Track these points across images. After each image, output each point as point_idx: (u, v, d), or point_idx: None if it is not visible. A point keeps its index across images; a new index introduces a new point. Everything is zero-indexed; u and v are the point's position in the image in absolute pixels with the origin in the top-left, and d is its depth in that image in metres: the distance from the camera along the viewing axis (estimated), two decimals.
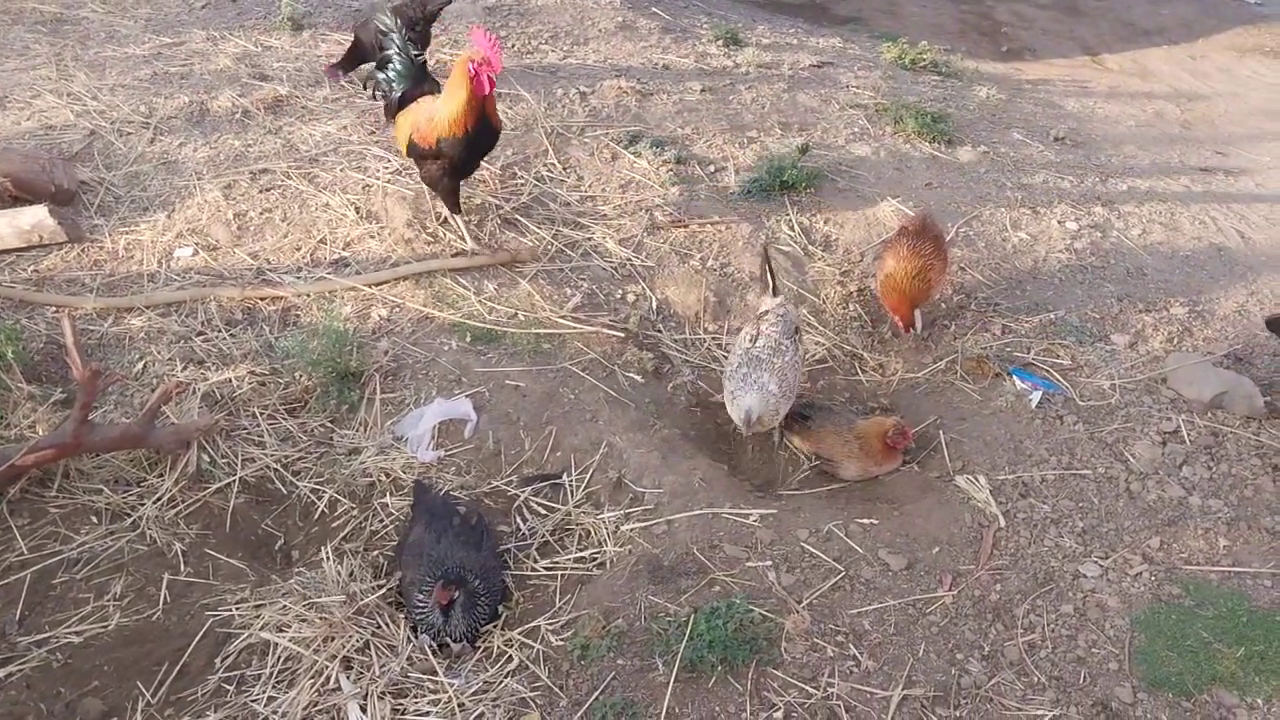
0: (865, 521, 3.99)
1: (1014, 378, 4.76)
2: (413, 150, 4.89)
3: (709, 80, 7.08)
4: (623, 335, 4.86)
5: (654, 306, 5.15)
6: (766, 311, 4.58)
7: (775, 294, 4.72)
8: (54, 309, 4.61)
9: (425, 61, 5.16)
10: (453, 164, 4.83)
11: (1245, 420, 4.59)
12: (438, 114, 4.71)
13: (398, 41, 5.04)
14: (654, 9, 8.34)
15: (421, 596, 3.48)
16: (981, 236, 5.84)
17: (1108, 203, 6.41)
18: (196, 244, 5.07)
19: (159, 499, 3.90)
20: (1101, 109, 8.33)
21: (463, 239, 5.14)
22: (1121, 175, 6.87)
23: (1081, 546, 3.93)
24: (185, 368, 4.38)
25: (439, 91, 4.90)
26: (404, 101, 5.01)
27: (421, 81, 5.06)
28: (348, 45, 6.29)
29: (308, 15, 7.28)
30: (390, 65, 5.08)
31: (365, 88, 5.40)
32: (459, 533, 3.65)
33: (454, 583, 3.40)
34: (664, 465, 4.17)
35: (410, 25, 6.23)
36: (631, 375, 4.69)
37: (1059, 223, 6.07)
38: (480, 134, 4.75)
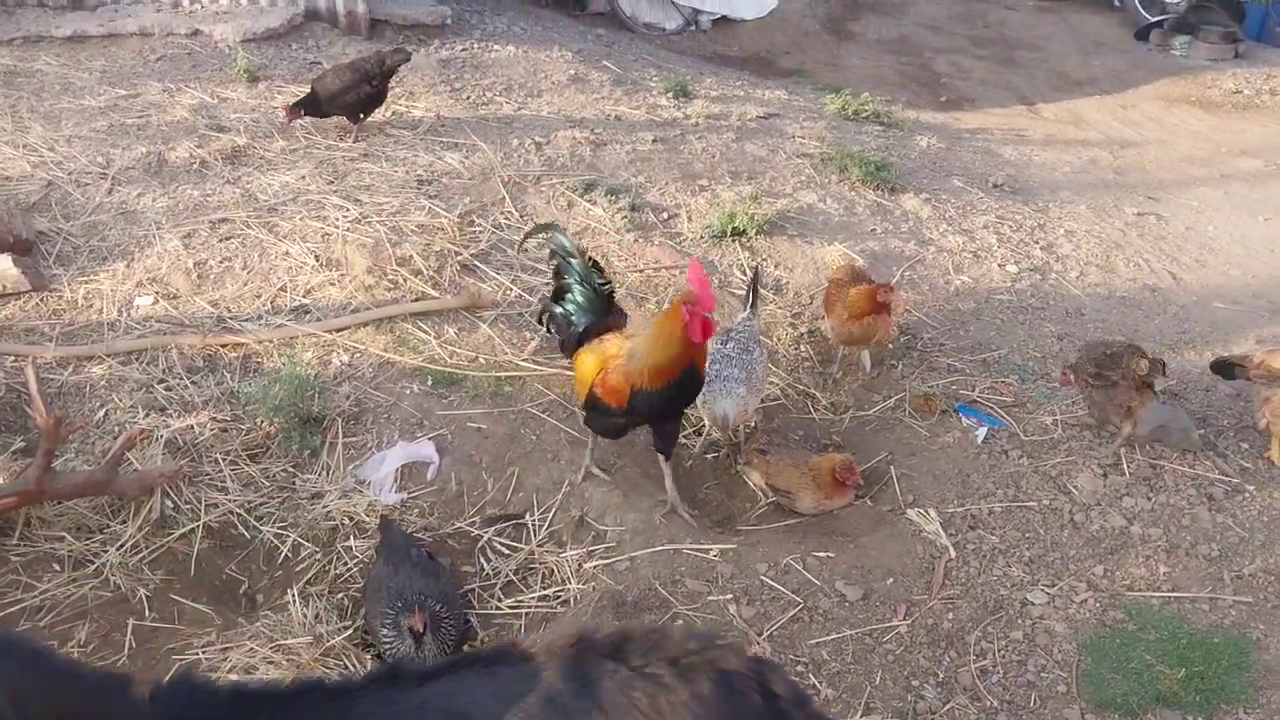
0: (822, 554, 4.11)
1: (960, 415, 4.93)
2: (593, 404, 4.09)
3: (660, 131, 7.26)
4: None
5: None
6: (736, 323, 4.80)
7: (749, 310, 4.88)
8: (13, 358, 4.62)
9: (612, 290, 4.31)
10: (643, 421, 4.17)
11: (1182, 453, 4.77)
12: (635, 362, 3.89)
13: (578, 268, 4.24)
14: (605, 62, 8.54)
15: (386, 630, 3.52)
16: (925, 280, 6.04)
17: (1046, 246, 6.66)
18: (156, 292, 5.11)
19: (122, 545, 3.92)
20: (1038, 156, 8.63)
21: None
22: (1059, 220, 7.13)
23: (1029, 575, 4.07)
24: (147, 415, 4.41)
25: (624, 323, 4.26)
26: (585, 337, 4.23)
27: (606, 313, 4.25)
28: (304, 94, 6.41)
29: (263, 68, 7.37)
30: (569, 296, 4.28)
31: (540, 321, 4.54)
32: (416, 563, 3.70)
33: (421, 609, 3.45)
34: (625, 503, 4.27)
35: (367, 79, 6.37)
36: None
37: (1000, 266, 6.29)
38: (684, 387, 3.99)
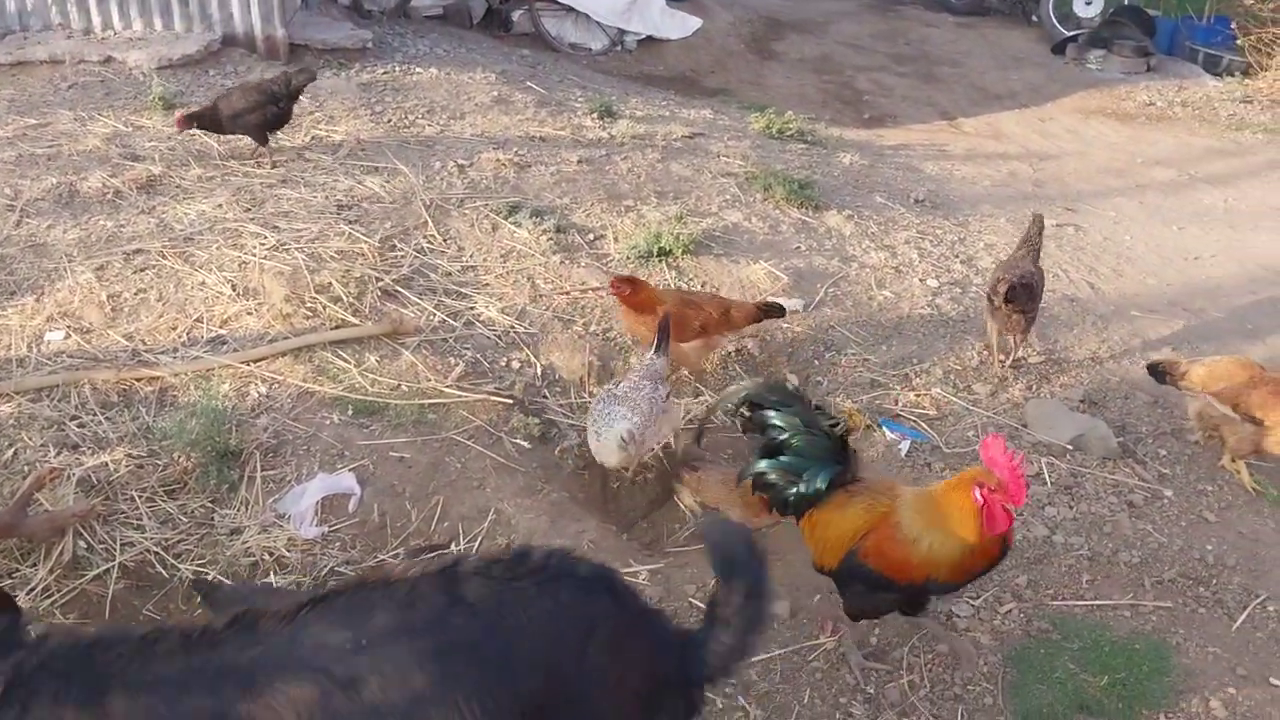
0: None
1: (884, 429, 4.96)
2: (860, 575, 3.42)
3: (585, 151, 7.26)
4: (509, 402, 4.92)
5: (539, 372, 5.23)
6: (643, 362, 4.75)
7: (656, 352, 4.83)
8: None
9: (846, 430, 3.63)
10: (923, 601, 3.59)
11: (1102, 460, 4.86)
12: (922, 548, 3.28)
13: (798, 415, 3.55)
14: (529, 84, 8.53)
15: None
16: (849, 295, 6.08)
17: (966, 260, 6.75)
18: (68, 327, 4.98)
19: (33, 589, 3.79)
20: (959, 170, 8.77)
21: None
22: (979, 233, 7.24)
23: None
24: (59, 453, 4.29)
25: (858, 464, 3.64)
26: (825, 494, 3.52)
27: (844, 460, 3.55)
28: (204, 107, 6.36)
29: (180, 95, 7.26)
30: (791, 447, 3.54)
31: (742, 477, 3.73)
32: None
33: None
34: (553, 529, 4.23)
35: (273, 100, 6.28)
36: (518, 441, 4.74)
37: (921, 280, 6.36)
38: (984, 570, 3.43)
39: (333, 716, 1.90)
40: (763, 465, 3.58)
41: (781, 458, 3.55)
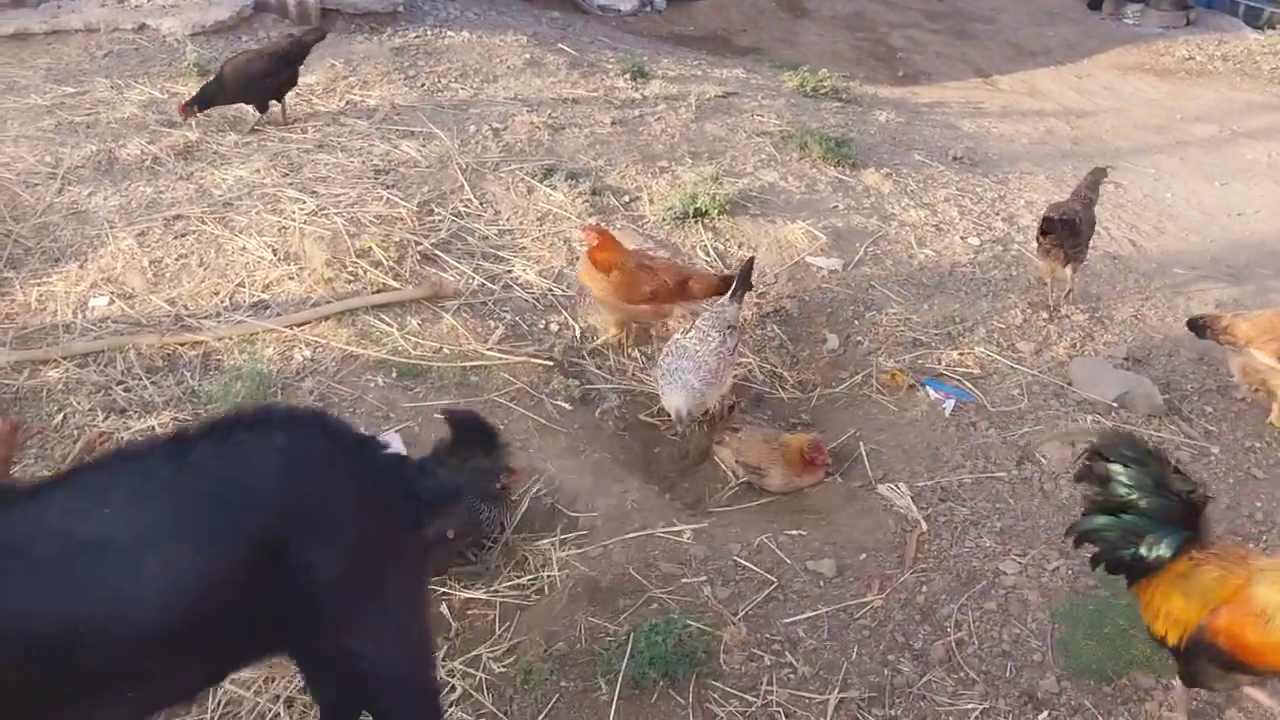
0: (794, 532, 4.11)
1: (927, 388, 4.93)
2: (1208, 651, 3.08)
3: (618, 113, 7.21)
4: (549, 364, 4.93)
5: (578, 335, 5.23)
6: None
7: (731, 297, 4.85)
8: None
9: (1205, 496, 3.26)
10: None
11: (1147, 418, 4.81)
12: None
13: (1153, 473, 3.20)
14: (560, 45, 8.47)
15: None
16: (889, 254, 6.04)
17: (1007, 218, 6.68)
18: (112, 293, 5.02)
19: None
20: (996, 128, 8.66)
21: None
22: (1019, 191, 7.15)
23: (1000, 546, 4.09)
24: (106, 417, 4.33)
25: (1209, 529, 3.25)
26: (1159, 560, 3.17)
27: (1194, 526, 3.19)
28: (205, 84, 6.30)
29: (213, 61, 7.22)
30: (1137, 507, 3.20)
31: (1072, 532, 3.37)
32: None
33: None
34: (596, 489, 4.24)
35: (286, 62, 6.24)
36: (559, 403, 4.75)
37: (962, 239, 6.30)
38: None
39: (80, 570, 2.09)
40: (1101, 521, 3.27)
41: (1124, 516, 3.22)
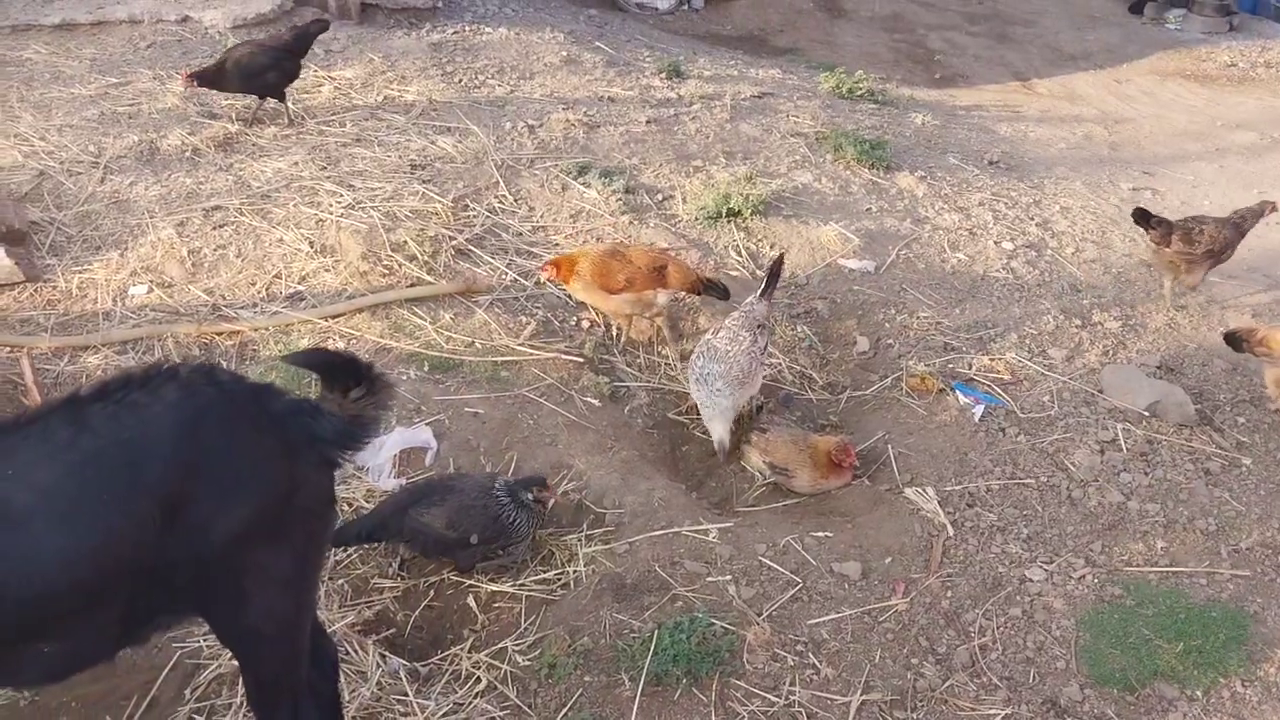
0: (820, 534, 4.12)
1: (957, 393, 4.93)
2: None
3: (654, 111, 7.24)
4: (579, 361, 4.96)
5: (610, 333, 5.26)
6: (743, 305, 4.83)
7: (761, 295, 4.86)
8: (9, 349, 4.61)
9: None
10: None
11: (1178, 428, 4.78)
12: None
13: None
14: (597, 44, 8.51)
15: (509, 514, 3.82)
16: (921, 258, 6.03)
17: (1042, 223, 6.65)
18: (151, 281, 5.10)
19: None
20: (1033, 133, 8.61)
21: None
22: (1054, 196, 7.12)
23: (1027, 552, 4.08)
24: None
25: None
26: None
27: None
28: (210, 65, 6.32)
29: None
30: None
31: None
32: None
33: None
34: (624, 486, 4.27)
35: (288, 53, 6.24)
36: (589, 400, 4.78)
37: (995, 243, 6.28)
38: None
39: None
40: None
41: None
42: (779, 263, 5.01)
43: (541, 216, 5.89)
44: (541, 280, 5.28)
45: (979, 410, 4.80)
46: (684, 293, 5.16)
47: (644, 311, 5.11)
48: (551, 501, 3.99)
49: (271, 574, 2.55)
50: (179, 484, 2.31)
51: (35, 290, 4.96)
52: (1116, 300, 5.84)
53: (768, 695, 3.44)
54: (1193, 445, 4.69)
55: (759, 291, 4.90)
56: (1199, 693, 3.55)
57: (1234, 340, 4.99)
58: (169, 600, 2.46)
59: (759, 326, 4.72)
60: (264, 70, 6.22)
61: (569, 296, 5.27)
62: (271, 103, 6.44)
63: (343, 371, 2.67)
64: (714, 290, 5.13)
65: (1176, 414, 4.82)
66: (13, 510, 2.17)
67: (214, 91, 6.40)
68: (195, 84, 6.24)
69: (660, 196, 6.24)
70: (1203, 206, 7.43)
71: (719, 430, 4.59)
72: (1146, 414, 4.82)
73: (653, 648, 3.50)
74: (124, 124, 6.25)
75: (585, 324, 5.26)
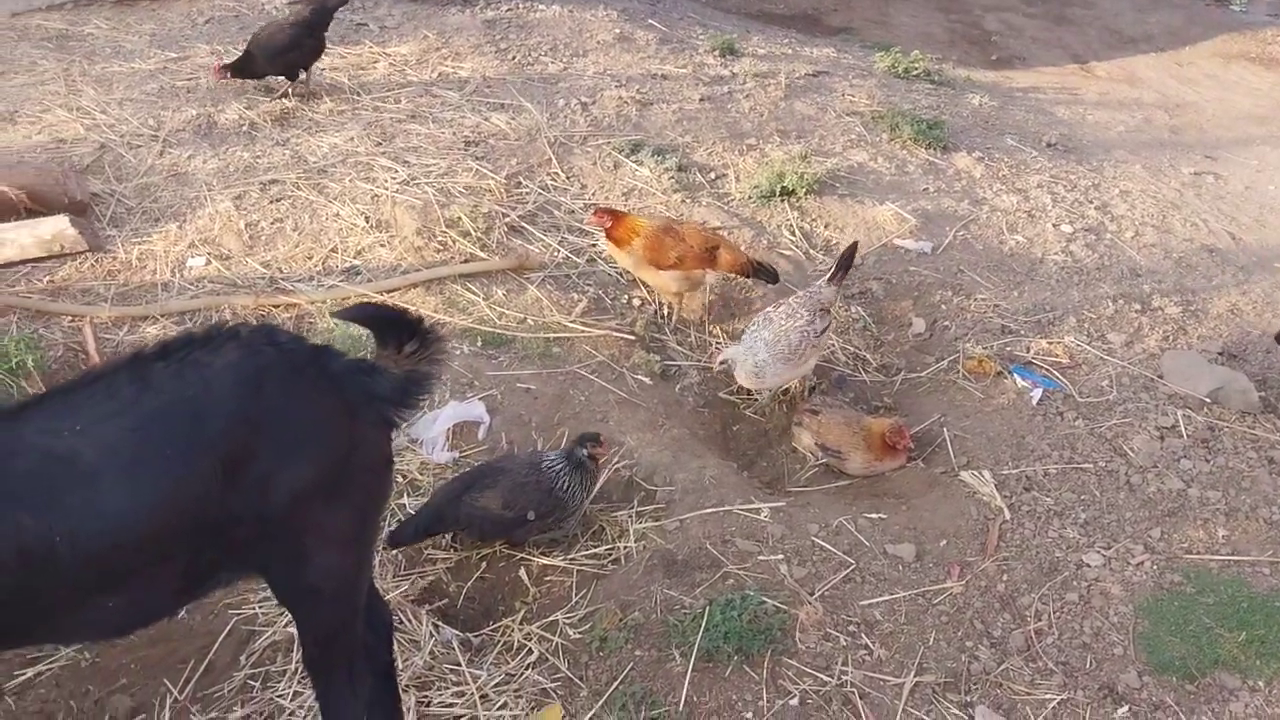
0: (873, 516, 4.08)
1: (1015, 376, 4.86)
2: None
3: (707, 89, 7.19)
4: (630, 339, 4.95)
5: (660, 310, 5.24)
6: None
7: (829, 280, 4.83)
8: (70, 318, 4.68)
9: None
10: None
11: (1241, 415, 4.69)
12: None
13: None
14: (650, 21, 8.46)
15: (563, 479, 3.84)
16: (979, 240, 5.95)
17: (1101, 206, 6.53)
18: (209, 253, 5.15)
19: None
20: (1092, 115, 8.46)
21: None
22: (1114, 180, 6.99)
23: (1084, 537, 4.02)
24: None
25: None
26: None
27: None
28: (239, 56, 6.33)
29: None
30: None
31: None
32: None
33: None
34: (675, 464, 4.26)
35: (309, 31, 6.23)
36: (640, 377, 4.78)
37: (1054, 226, 6.18)
38: None
39: (55, 483, 2.21)
40: None
41: None
42: (852, 250, 4.95)
43: (594, 194, 5.88)
44: (588, 227, 5.27)
45: (1037, 394, 4.74)
46: (733, 274, 5.14)
47: (691, 289, 5.09)
48: (604, 458, 4.00)
49: (330, 532, 2.57)
50: (241, 441, 2.34)
51: (96, 261, 5.03)
52: (1177, 286, 5.73)
53: (820, 674, 3.42)
54: (1256, 433, 4.59)
55: (828, 275, 4.85)
56: (1261, 683, 3.47)
57: None
58: (230, 556, 2.49)
59: (821, 310, 4.68)
60: (285, 49, 6.23)
61: (617, 269, 5.26)
62: (314, 77, 6.46)
63: (394, 326, 2.67)
64: (763, 274, 5.10)
65: (1239, 401, 4.73)
66: (80, 464, 2.21)
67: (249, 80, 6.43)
68: (228, 75, 6.30)
69: (713, 175, 6.20)
70: (1267, 190, 7.27)
71: (741, 377, 4.65)
72: (1208, 400, 4.73)
73: (704, 624, 3.49)
74: (182, 98, 6.31)
75: (636, 302, 5.25)
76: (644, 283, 5.18)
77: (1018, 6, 11.73)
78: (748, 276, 5.15)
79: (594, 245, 5.48)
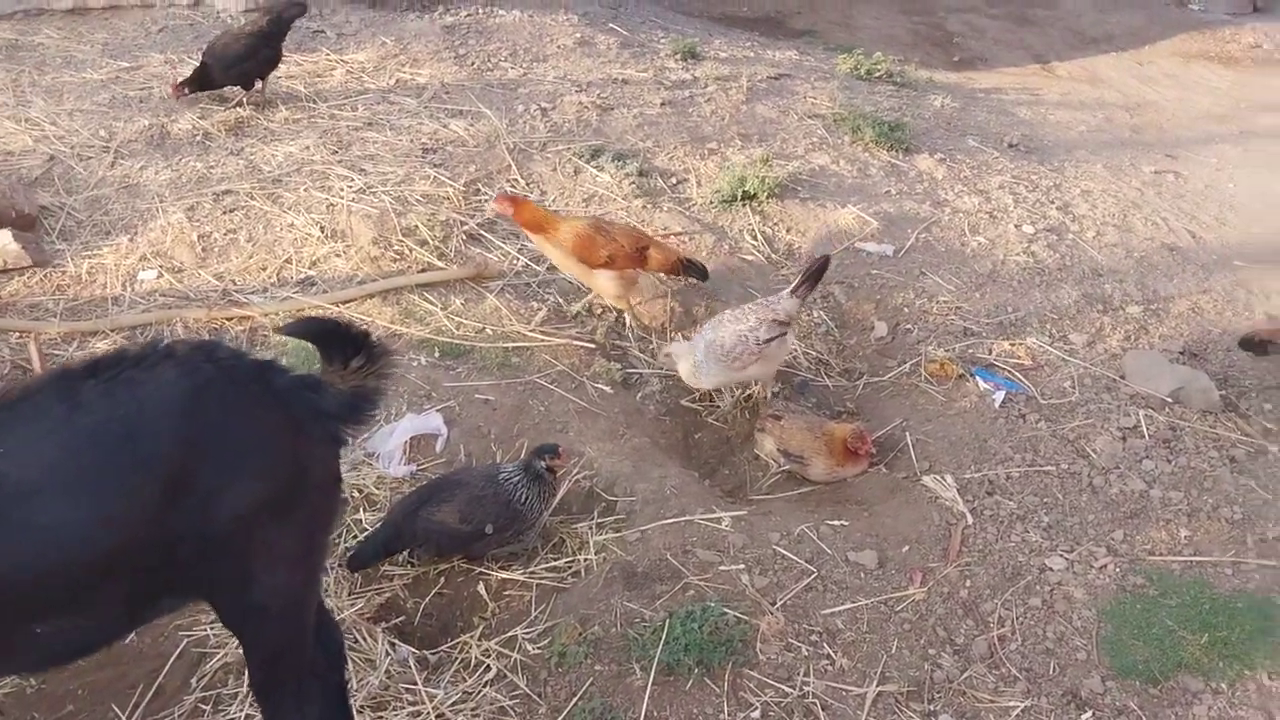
0: (836, 523, 4.05)
1: (977, 378, 4.84)
2: None
3: (668, 94, 7.15)
4: (591, 347, 4.90)
5: (621, 318, 5.19)
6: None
7: (793, 291, 4.71)
8: (17, 334, 4.58)
9: None
10: None
11: (1202, 414, 4.69)
12: None
13: None
14: (612, 25, 8.42)
15: (523, 493, 3.77)
16: (941, 242, 5.94)
17: (1062, 206, 6.54)
18: (160, 266, 5.06)
19: None
20: (1053, 115, 8.49)
21: None
22: (1075, 180, 7.00)
23: (1047, 541, 4.00)
24: None
25: None
26: None
27: None
28: (194, 69, 6.24)
29: None
30: None
31: None
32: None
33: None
34: (635, 473, 4.21)
35: (265, 41, 6.13)
36: (600, 386, 4.72)
37: (1016, 227, 6.18)
38: None
39: None
40: None
41: None
42: (823, 263, 4.72)
43: (554, 200, 5.83)
44: (491, 214, 5.22)
45: (999, 396, 4.72)
46: (664, 274, 5.12)
47: (628, 289, 5.05)
48: (563, 469, 3.94)
49: (277, 552, 2.50)
50: (178, 461, 2.27)
51: (44, 275, 4.93)
52: (1138, 285, 5.74)
53: (781, 686, 3.37)
54: (1217, 432, 4.59)
55: (791, 287, 4.72)
56: (1224, 685, 3.46)
57: (1254, 345, 4.87)
58: (174, 580, 2.42)
59: (774, 320, 4.57)
60: (241, 60, 6.12)
61: (576, 277, 5.21)
62: (270, 86, 6.38)
63: (340, 340, 2.60)
64: (693, 271, 5.09)
65: (1200, 400, 4.73)
66: (4, 487, 2.13)
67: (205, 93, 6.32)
68: (186, 91, 6.19)
69: (674, 179, 6.17)
70: (1227, 189, 7.31)
71: (683, 369, 4.64)
72: (1169, 400, 4.73)
73: (664, 637, 3.44)
74: (135, 108, 6.21)
75: (597, 310, 5.19)
76: (579, 282, 5.13)
77: (980, 8, 11.78)
78: (678, 275, 5.14)
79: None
